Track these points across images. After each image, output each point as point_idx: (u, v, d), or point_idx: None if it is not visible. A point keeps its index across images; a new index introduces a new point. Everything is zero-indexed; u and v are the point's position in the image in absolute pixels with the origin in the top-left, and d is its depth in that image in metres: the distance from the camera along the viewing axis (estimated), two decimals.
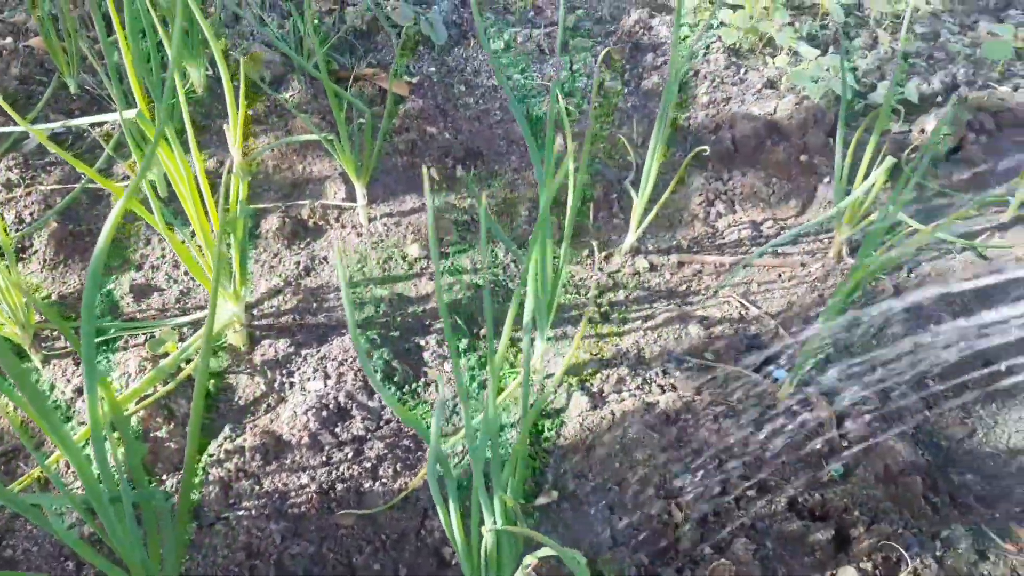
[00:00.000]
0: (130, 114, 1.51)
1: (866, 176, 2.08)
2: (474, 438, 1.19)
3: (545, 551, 1.08)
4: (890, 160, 1.95)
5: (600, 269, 2.21)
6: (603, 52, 2.77)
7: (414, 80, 2.75)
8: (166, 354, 1.74)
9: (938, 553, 1.63)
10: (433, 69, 2.84)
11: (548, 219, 1.65)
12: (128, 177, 2.28)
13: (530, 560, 0.99)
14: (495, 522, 1.21)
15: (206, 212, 1.62)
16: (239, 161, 1.52)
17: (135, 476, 1.19)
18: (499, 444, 1.69)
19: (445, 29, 3.01)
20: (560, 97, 2.54)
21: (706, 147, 2.00)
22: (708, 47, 3.00)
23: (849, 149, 2.18)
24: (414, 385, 1.82)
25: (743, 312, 2.10)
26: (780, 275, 2.23)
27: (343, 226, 2.20)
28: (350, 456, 1.63)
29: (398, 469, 1.62)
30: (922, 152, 1.86)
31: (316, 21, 2.93)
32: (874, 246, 1.72)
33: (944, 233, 2.28)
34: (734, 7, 3.01)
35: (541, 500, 1.62)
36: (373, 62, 2.84)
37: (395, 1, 3.05)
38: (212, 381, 1.78)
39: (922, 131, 2.68)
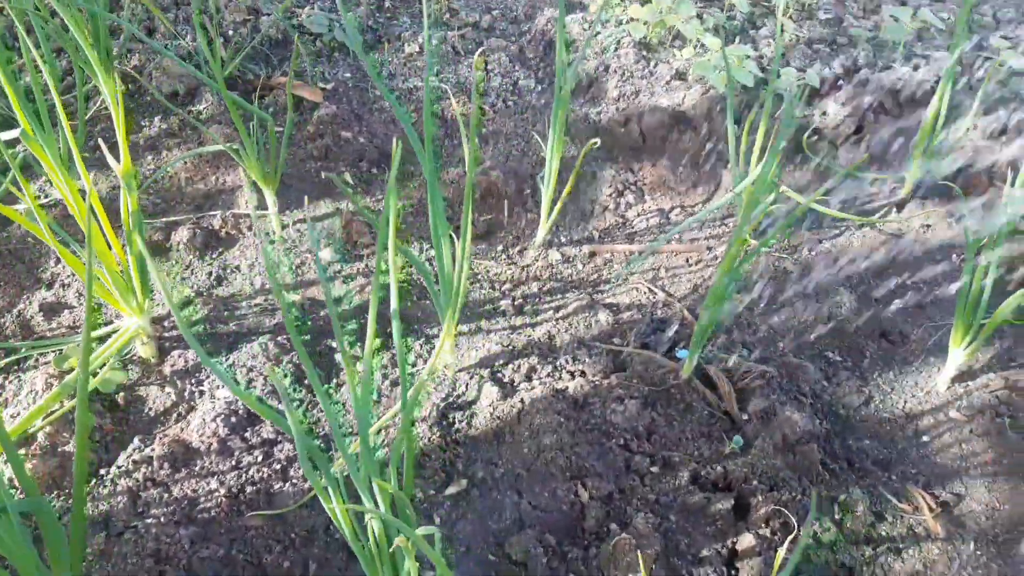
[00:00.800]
0: (11, 135, 1.51)
1: (760, 160, 2.16)
2: (341, 435, 1.22)
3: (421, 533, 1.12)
4: (782, 143, 2.03)
5: (514, 263, 2.25)
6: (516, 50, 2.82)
7: (329, 86, 2.77)
8: (71, 369, 1.74)
9: (837, 516, 1.71)
10: (348, 75, 2.86)
11: (443, 221, 1.69)
12: (47, 196, 2.27)
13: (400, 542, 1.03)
14: (383, 510, 1.24)
15: (102, 229, 1.63)
16: (124, 173, 1.53)
17: (26, 487, 1.20)
18: (402, 438, 1.72)
19: (360, 35, 3.03)
20: (476, 96, 2.60)
21: (597, 140, 2.05)
22: (619, 42, 3.06)
23: (756, 135, 2.25)
24: (326, 386, 1.84)
25: (651, 297, 2.16)
26: (688, 260, 2.30)
27: (256, 234, 2.21)
28: (260, 459, 1.65)
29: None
30: (825, 134, 1.94)
31: (231, 32, 2.93)
32: (747, 224, 1.79)
33: (817, 206, 2.37)
34: (643, 2, 3.08)
35: (451, 490, 1.65)
36: (288, 70, 2.85)
37: (310, 9, 3.07)
38: (122, 394, 1.78)
39: (824, 114, 2.78)
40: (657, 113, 2.65)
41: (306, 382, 1.84)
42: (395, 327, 1.44)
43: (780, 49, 2.92)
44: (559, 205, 2.18)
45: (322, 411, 1.77)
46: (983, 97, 2.59)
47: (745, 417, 1.83)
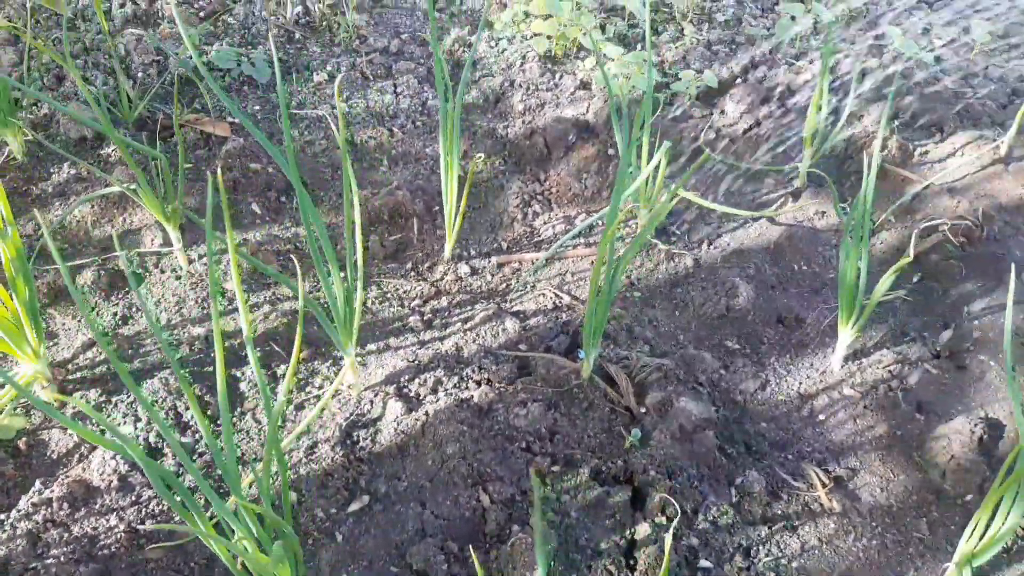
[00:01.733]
0: None
1: (648, 161, 2.23)
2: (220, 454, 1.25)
3: None
4: (666, 144, 2.10)
5: (424, 280, 2.29)
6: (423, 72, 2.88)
7: (237, 120, 2.80)
8: None
9: (734, 499, 1.76)
10: (258, 107, 2.90)
11: (330, 248, 1.72)
12: None
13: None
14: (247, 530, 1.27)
15: None
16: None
17: None
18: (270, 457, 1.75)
19: (269, 67, 3.07)
20: (384, 119, 2.65)
21: (481, 154, 2.11)
22: (524, 57, 3.14)
23: (656, 138, 2.32)
24: (229, 416, 1.86)
25: (557, 301, 2.21)
26: (592, 262, 2.36)
27: (162, 271, 2.23)
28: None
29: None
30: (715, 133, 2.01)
31: (140, 73, 2.96)
32: (613, 226, 1.84)
33: (707, 203, 2.44)
34: (545, 16, 3.16)
35: (353, 507, 1.68)
36: (198, 107, 2.88)
37: (218, 46, 3.10)
38: (24, 439, 1.78)
39: (722, 112, 2.87)
40: (561, 124, 2.71)
41: (209, 413, 1.85)
42: (292, 361, 1.47)
43: (647, 58, 3.02)
44: (459, 220, 2.23)
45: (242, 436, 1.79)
46: (875, 85, 2.70)
47: (644, 410, 1.88)
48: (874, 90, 3.03)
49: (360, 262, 1.82)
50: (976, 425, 1.84)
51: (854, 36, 3.36)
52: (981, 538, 1.48)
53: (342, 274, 1.75)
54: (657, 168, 2.27)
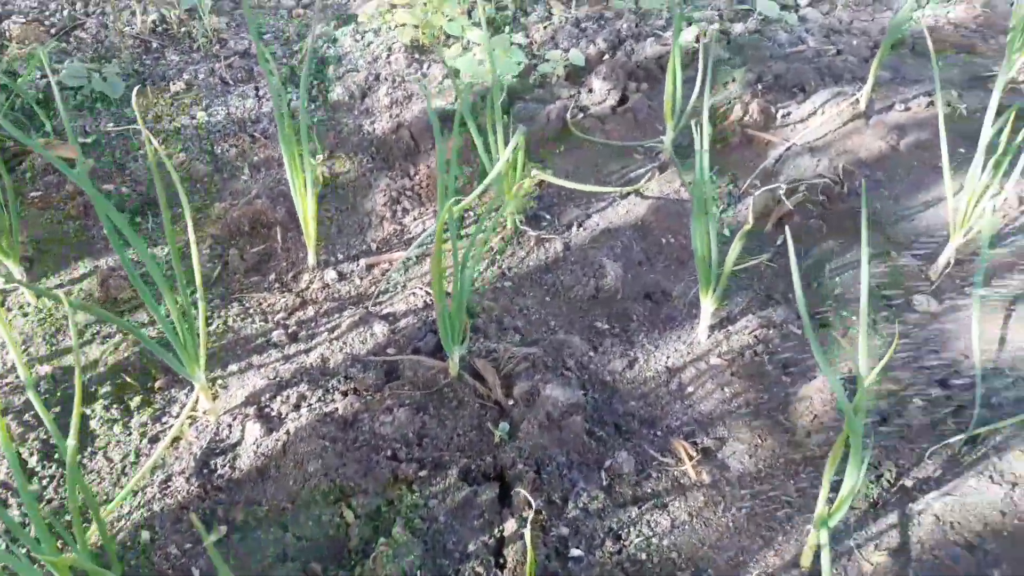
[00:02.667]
0: None
1: (505, 147, 2.19)
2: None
3: None
4: (521, 130, 2.07)
5: (289, 290, 2.22)
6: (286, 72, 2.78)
7: (89, 140, 2.67)
8: None
9: (604, 483, 1.75)
10: (112, 124, 2.76)
11: (164, 277, 1.65)
12: None
13: None
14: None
15: None
16: None
17: None
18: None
19: (123, 82, 2.92)
20: (246, 125, 2.55)
21: (328, 149, 2.04)
22: (390, 49, 3.07)
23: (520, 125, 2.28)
24: (79, 457, 1.77)
25: (428, 300, 2.17)
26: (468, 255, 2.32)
27: (8, 309, 2.11)
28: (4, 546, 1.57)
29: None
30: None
31: None
32: (445, 215, 1.81)
33: (572, 184, 2.42)
34: (407, 5, 3.09)
35: (211, 539, 1.62)
36: (51, 130, 2.73)
37: (69, 62, 2.94)
38: None
39: (590, 91, 2.86)
40: (426, 115, 2.66)
41: (56, 456, 1.76)
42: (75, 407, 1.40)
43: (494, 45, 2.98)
44: (314, 225, 2.16)
45: (93, 476, 1.70)
46: (740, 50, 2.71)
47: (512, 402, 1.86)
48: (740, 55, 3.06)
49: (199, 284, 1.74)
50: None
51: (720, 3, 3.38)
52: (829, 500, 1.50)
53: (192, 296, 1.67)
54: (517, 155, 2.24)
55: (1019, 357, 1.99)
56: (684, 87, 2.88)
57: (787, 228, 1.69)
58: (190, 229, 1.75)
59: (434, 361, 1.93)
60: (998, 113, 2.05)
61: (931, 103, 2.76)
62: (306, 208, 2.11)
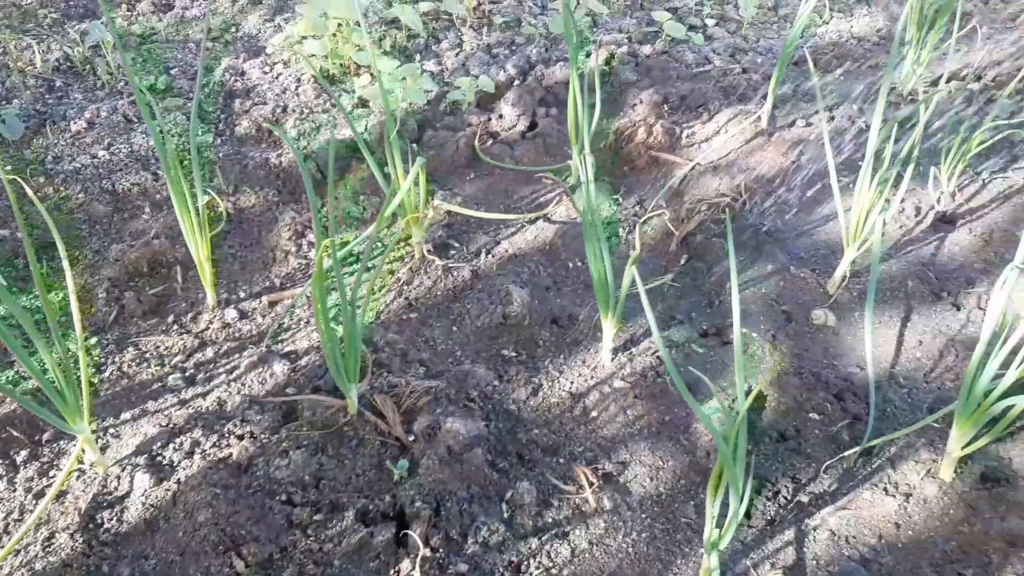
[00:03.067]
0: None
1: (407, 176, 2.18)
2: None
3: None
4: (420, 160, 2.06)
5: (188, 332, 2.17)
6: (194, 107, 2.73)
7: None
8: None
9: (505, 515, 1.73)
10: (9, 167, 2.68)
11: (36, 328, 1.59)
12: None
13: None
14: None
15: None
16: None
17: None
18: None
19: (22, 123, 2.84)
20: (149, 163, 2.49)
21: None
22: (299, 80, 3.04)
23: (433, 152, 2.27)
24: None
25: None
26: (372, 288, 2.30)
27: None
28: None
29: None
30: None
31: None
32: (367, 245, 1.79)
33: (476, 213, 2.41)
34: (317, 36, 3.07)
35: None
36: None
37: None
38: None
39: (500, 117, 2.87)
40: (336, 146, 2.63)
41: None
42: None
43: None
44: (208, 266, 2.12)
45: None
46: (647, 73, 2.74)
47: (412, 438, 1.84)
48: (648, 76, 3.10)
49: (79, 330, 1.69)
50: (735, 400, 1.89)
51: (628, 25, 3.43)
52: (716, 524, 1.51)
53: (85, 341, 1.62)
54: (420, 184, 2.22)
55: (913, 367, 2.03)
56: (592, 111, 2.91)
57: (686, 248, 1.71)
58: (68, 275, 1.69)
59: (333, 400, 1.90)
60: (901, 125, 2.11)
61: (832, 118, 2.83)
62: (198, 249, 2.07)
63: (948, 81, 3.07)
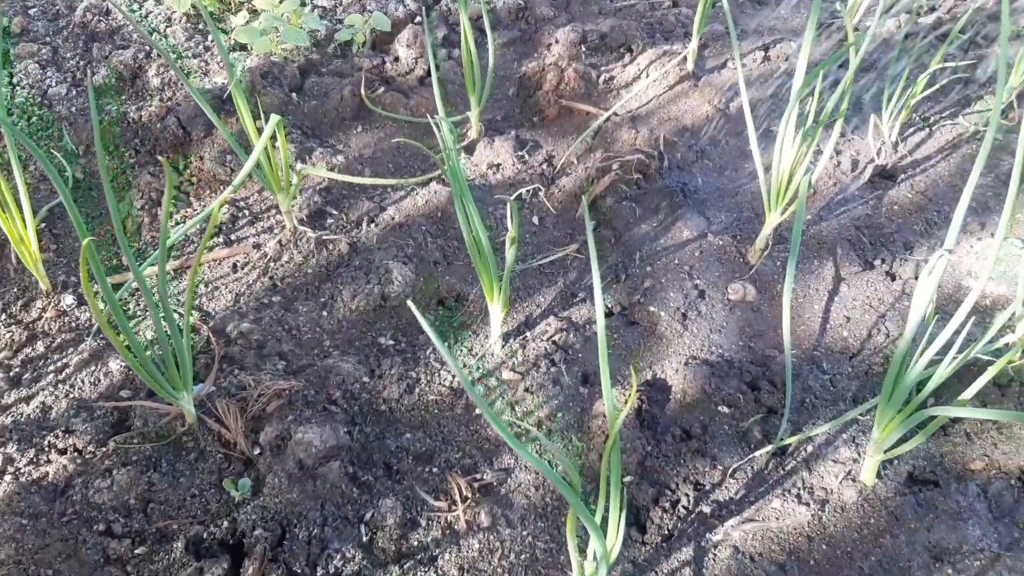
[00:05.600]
0: None
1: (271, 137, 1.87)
2: None
3: None
4: (275, 119, 1.74)
5: (18, 322, 1.87)
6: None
7: None
8: None
9: (364, 539, 1.50)
10: None
11: None
12: None
13: None
14: None
15: None
16: None
17: None
18: None
19: None
20: None
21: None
22: (169, 20, 2.67)
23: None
24: None
25: (180, 325, 1.86)
26: (235, 265, 2.01)
27: None
28: None
29: None
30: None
31: None
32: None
33: (319, 171, 2.12)
34: None
35: None
36: None
37: None
38: None
39: (396, 60, 2.54)
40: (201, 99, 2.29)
41: None
42: None
43: None
44: (33, 243, 1.81)
45: None
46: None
47: (258, 451, 1.58)
48: (567, 11, 2.77)
49: None
50: (632, 395, 1.66)
51: None
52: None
53: None
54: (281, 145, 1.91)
55: (838, 349, 1.81)
56: (503, 51, 2.60)
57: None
58: None
59: (168, 406, 1.63)
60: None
61: (767, 58, 2.54)
62: (12, 225, 1.76)
63: (897, 13, 2.78)
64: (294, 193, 1.99)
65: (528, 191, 2.15)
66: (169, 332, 1.49)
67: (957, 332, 1.37)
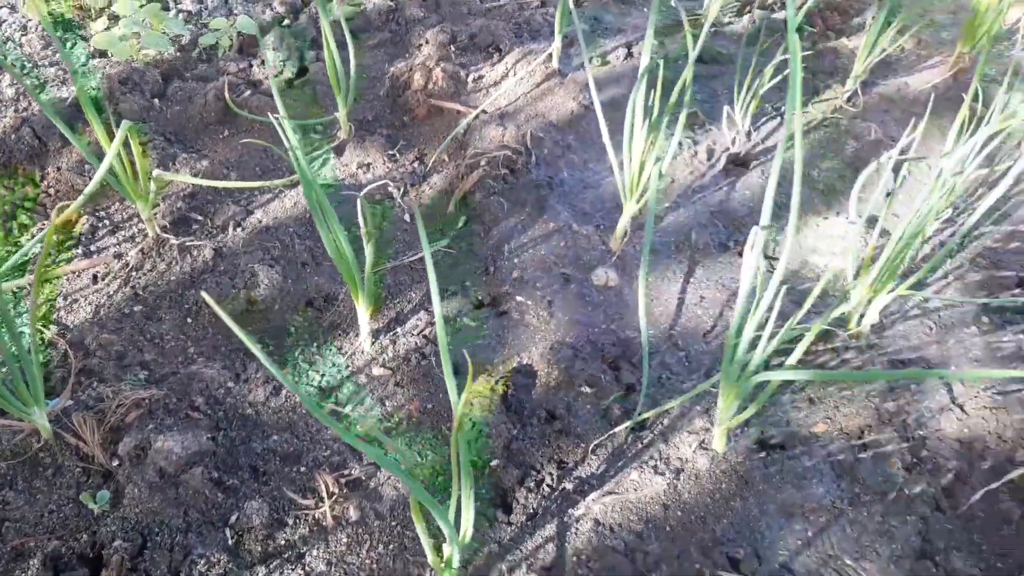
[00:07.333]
0: None
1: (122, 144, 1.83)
2: None
3: None
4: (126, 124, 1.71)
5: None
6: None
7: None
8: None
9: (230, 541, 1.49)
10: None
11: None
12: None
13: None
14: None
15: None
16: None
17: None
18: None
19: None
20: None
21: None
22: (25, 28, 2.57)
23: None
24: None
25: (39, 339, 1.80)
26: (95, 276, 1.96)
27: None
28: None
29: None
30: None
31: None
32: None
33: (176, 177, 2.11)
34: None
35: None
36: None
37: None
38: None
39: (263, 63, 2.52)
40: (55, 107, 2.23)
41: None
42: None
43: None
44: None
45: None
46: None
47: (117, 462, 1.55)
48: (437, 12, 2.81)
49: None
50: (499, 382, 1.71)
51: None
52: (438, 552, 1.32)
53: None
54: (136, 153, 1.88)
55: (693, 326, 1.90)
56: (374, 52, 2.61)
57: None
58: None
59: (21, 423, 1.58)
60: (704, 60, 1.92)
61: (630, 55, 2.64)
62: None
63: (750, 10, 2.94)
64: (154, 201, 1.95)
65: (400, 189, 2.18)
66: (15, 348, 1.45)
67: (769, 303, 1.47)
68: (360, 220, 1.50)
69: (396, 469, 1.12)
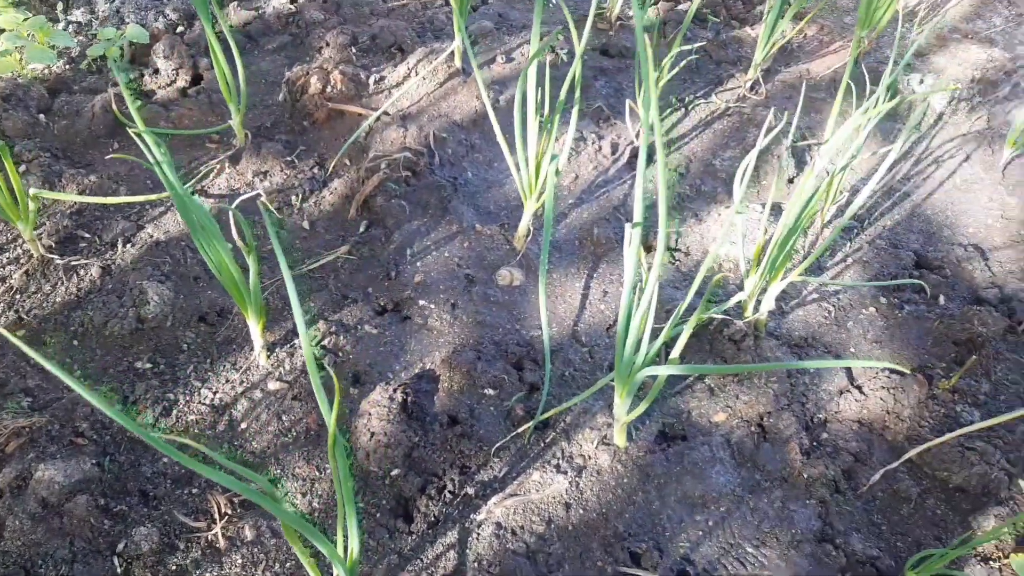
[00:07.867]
0: None
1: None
2: None
3: None
4: None
5: None
6: None
7: None
8: None
9: (119, 570, 1.44)
10: None
11: None
12: None
13: None
14: None
15: None
16: None
17: None
18: None
19: None
20: None
21: None
22: None
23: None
24: None
25: None
26: None
27: None
28: None
29: None
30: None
31: None
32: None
33: (52, 194, 2.03)
34: None
35: None
36: None
37: None
38: None
39: (155, 72, 2.44)
40: None
41: None
42: None
43: None
44: None
45: None
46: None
47: None
48: (338, 14, 2.76)
49: None
50: (397, 390, 1.68)
51: None
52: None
53: None
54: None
55: (596, 322, 1.90)
56: (273, 56, 2.56)
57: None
58: None
59: None
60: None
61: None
62: None
63: (656, 2, 2.96)
64: (34, 221, 1.87)
65: (299, 196, 2.13)
66: None
67: (650, 298, 1.47)
68: (235, 234, 1.45)
69: (257, 496, 1.08)
